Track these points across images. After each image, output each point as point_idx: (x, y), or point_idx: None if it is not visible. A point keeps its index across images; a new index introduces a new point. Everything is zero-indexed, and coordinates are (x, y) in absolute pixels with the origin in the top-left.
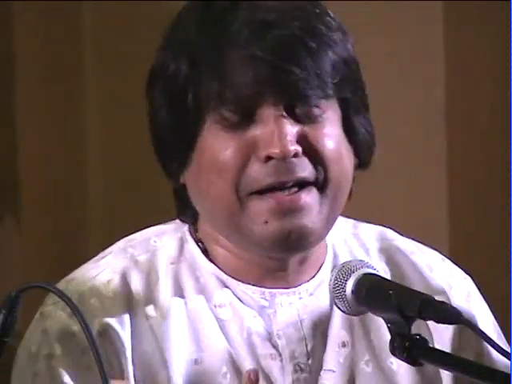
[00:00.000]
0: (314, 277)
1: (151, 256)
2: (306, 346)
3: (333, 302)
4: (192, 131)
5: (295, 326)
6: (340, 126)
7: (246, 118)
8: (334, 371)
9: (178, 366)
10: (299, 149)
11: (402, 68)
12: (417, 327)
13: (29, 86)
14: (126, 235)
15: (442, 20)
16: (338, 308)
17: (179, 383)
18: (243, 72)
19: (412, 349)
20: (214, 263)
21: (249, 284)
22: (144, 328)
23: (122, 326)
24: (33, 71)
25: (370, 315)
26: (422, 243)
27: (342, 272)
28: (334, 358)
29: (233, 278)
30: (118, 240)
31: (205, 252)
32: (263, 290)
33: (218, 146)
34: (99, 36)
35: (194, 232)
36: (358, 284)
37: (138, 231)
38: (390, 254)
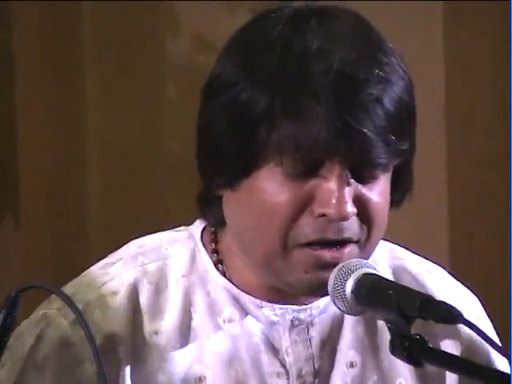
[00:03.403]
0: (326, 294)
1: (162, 264)
2: (314, 364)
3: (343, 320)
4: (252, 164)
5: (304, 343)
6: (389, 178)
7: (310, 169)
8: None
9: None
10: (355, 211)
11: None
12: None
13: (29, 86)
14: (126, 235)
15: (442, 20)
16: (338, 308)
17: None
18: (321, 126)
19: (412, 349)
20: (225, 276)
21: (260, 299)
22: (148, 345)
23: (124, 341)
24: (33, 71)
25: (381, 334)
26: (431, 260)
27: (342, 272)
28: (341, 378)
29: (244, 292)
30: (120, 242)
31: (217, 264)
32: (274, 305)
33: (274, 190)
34: (99, 36)
35: (208, 242)
36: (358, 284)
37: (139, 232)
38: (398, 275)
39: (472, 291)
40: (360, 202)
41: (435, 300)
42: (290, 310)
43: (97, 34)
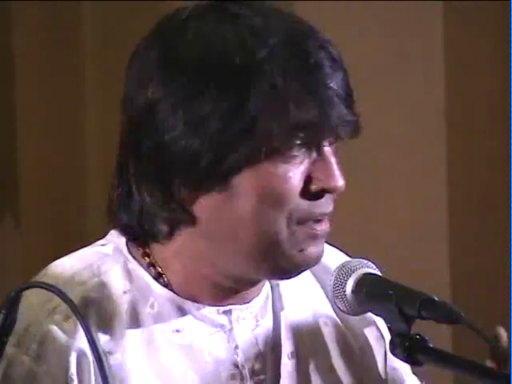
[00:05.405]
0: (261, 291)
1: (99, 281)
2: (264, 361)
3: (282, 314)
4: (251, 156)
5: (251, 341)
6: None
7: (305, 150)
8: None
9: None
10: None
11: (402, 68)
12: None
13: (28, 86)
14: None
15: (441, 20)
16: (338, 308)
17: None
18: (333, 107)
19: (412, 348)
20: (166, 287)
21: (204, 304)
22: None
23: (84, 363)
24: (33, 71)
25: (312, 319)
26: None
27: (342, 272)
28: (286, 370)
29: (188, 300)
30: None
31: (157, 277)
32: (219, 308)
33: (277, 176)
34: (99, 36)
35: (139, 256)
36: (358, 284)
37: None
38: (314, 270)
39: (472, 291)
40: None
41: (435, 300)
42: (234, 310)
43: (97, 34)
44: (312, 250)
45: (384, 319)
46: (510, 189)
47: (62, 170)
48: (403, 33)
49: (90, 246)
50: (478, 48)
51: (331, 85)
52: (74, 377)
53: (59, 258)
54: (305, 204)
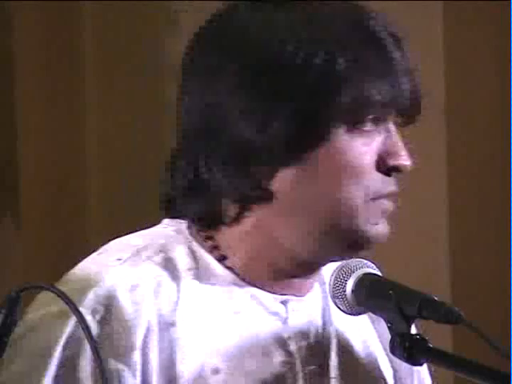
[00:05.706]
0: (314, 287)
1: (166, 256)
2: (313, 352)
3: (326, 312)
4: (324, 129)
5: (303, 333)
6: None
7: (375, 126)
8: (339, 377)
9: (196, 377)
10: None
11: None
12: None
13: (29, 86)
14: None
15: (442, 20)
16: (338, 308)
17: None
18: (402, 82)
19: (412, 348)
20: (229, 270)
21: (264, 290)
22: (166, 336)
23: (153, 331)
24: (33, 71)
25: (355, 319)
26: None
27: (342, 272)
28: (333, 365)
29: (249, 284)
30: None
31: (220, 260)
32: (277, 296)
33: (355, 150)
34: (99, 36)
35: (202, 239)
36: (358, 284)
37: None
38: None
39: (472, 291)
40: None
41: (435, 300)
42: (290, 301)
43: (97, 34)
44: (383, 225)
45: (384, 319)
46: (510, 189)
47: (62, 170)
48: (403, 33)
49: (150, 229)
50: (478, 48)
51: (400, 61)
52: (138, 347)
53: (59, 258)
54: (379, 180)
